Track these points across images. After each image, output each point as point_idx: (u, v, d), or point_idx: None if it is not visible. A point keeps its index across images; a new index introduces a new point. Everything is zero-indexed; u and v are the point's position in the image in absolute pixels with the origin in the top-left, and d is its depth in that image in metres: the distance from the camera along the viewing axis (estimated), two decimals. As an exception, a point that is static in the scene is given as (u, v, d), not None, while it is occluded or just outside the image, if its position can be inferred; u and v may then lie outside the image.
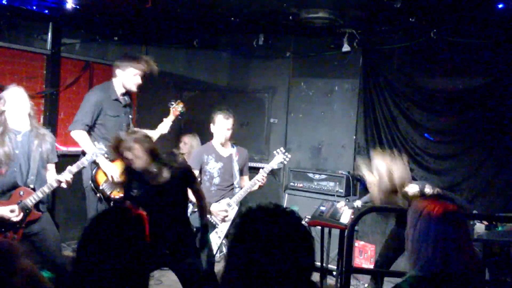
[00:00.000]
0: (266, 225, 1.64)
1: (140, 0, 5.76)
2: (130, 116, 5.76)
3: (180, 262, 4.07)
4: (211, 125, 5.39)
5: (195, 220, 5.24)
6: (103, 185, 5.10)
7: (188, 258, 4.10)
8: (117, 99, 5.50)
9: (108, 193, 5.13)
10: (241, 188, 5.35)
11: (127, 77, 5.49)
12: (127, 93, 5.64)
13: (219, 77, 8.24)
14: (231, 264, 1.65)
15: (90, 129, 5.34)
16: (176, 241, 4.08)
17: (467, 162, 6.42)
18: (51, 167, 4.56)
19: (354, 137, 7.22)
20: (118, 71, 5.48)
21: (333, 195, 6.64)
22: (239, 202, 5.29)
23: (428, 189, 4.68)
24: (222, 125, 5.30)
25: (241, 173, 5.50)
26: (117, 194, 5.10)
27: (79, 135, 5.18)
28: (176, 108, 5.94)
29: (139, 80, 5.57)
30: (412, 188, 4.65)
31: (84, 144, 5.16)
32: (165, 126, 5.82)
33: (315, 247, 1.72)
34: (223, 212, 5.14)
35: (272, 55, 7.75)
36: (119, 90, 5.51)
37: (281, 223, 1.66)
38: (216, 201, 5.21)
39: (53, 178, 4.42)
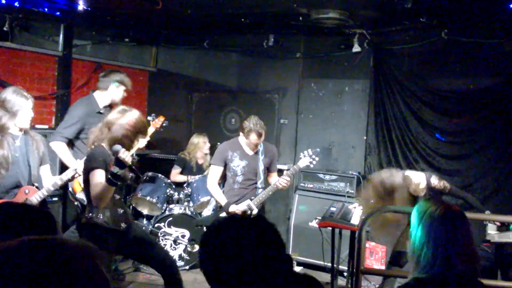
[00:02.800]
0: (230, 233, 1.66)
1: (151, 2, 5.78)
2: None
3: (131, 239, 4.12)
4: (241, 133, 5.30)
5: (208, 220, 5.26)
6: (79, 193, 5.10)
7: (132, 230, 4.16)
8: (100, 112, 5.50)
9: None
10: (264, 189, 5.30)
11: (119, 93, 5.62)
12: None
13: (229, 78, 8.26)
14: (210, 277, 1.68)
15: (73, 141, 5.39)
16: (129, 217, 4.16)
17: (479, 163, 6.39)
18: (47, 169, 4.59)
19: (365, 137, 7.20)
20: (111, 87, 5.55)
21: (344, 196, 6.62)
22: (260, 205, 5.25)
23: (434, 180, 4.66)
24: (254, 141, 5.22)
25: (269, 170, 5.45)
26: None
27: (58, 147, 5.21)
28: (157, 121, 5.82)
29: (125, 94, 5.73)
30: (418, 177, 4.63)
31: (63, 155, 5.20)
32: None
33: (282, 239, 1.75)
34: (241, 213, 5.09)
35: (282, 55, 7.75)
36: (103, 103, 5.56)
37: (246, 228, 1.68)
38: (237, 201, 5.18)
39: (54, 178, 4.48)
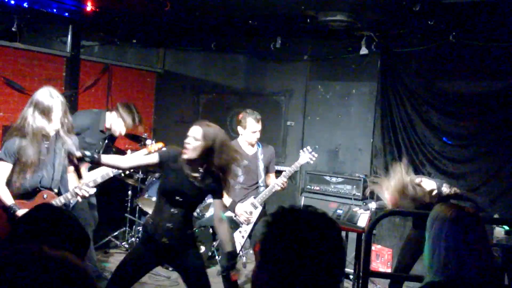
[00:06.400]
0: (301, 226, 1.61)
1: (159, 4, 5.80)
2: (107, 142, 5.77)
3: (179, 259, 3.96)
4: (239, 127, 5.32)
5: (210, 220, 5.26)
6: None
7: (186, 254, 3.95)
8: (102, 130, 5.59)
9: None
10: (266, 187, 5.32)
11: (117, 124, 5.59)
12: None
13: (236, 80, 8.27)
14: (262, 261, 1.63)
15: None
16: (179, 236, 3.91)
17: (486, 166, 6.36)
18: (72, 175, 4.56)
19: (372, 140, 7.19)
20: (118, 114, 5.56)
21: (350, 199, 6.62)
22: (263, 202, 5.26)
23: (445, 188, 4.67)
24: (253, 128, 5.23)
25: (267, 170, 5.46)
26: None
27: None
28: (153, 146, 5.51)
29: (123, 133, 5.70)
30: (428, 184, 4.64)
31: None
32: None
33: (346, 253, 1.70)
34: (247, 214, 5.10)
35: (289, 58, 7.75)
36: (107, 124, 5.60)
37: (317, 226, 1.63)
38: (240, 200, 5.18)
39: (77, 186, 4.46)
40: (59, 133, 4.30)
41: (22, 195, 4.17)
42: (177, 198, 3.85)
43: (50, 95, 4.20)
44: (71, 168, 4.45)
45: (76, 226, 1.91)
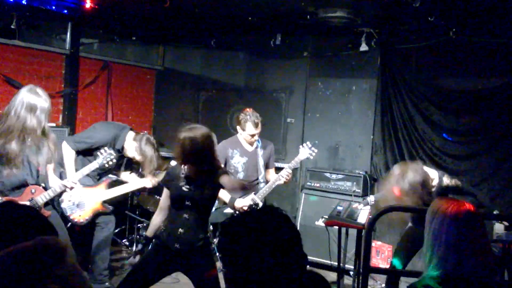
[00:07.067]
0: (249, 225, 1.66)
1: (158, 0, 5.79)
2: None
3: (191, 264, 3.88)
4: (238, 127, 5.33)
5: (218, 216, 5.25)
6: (64, 203, 5.04)
7: (198, 260, 3.88)
8: (119, 150, 5.42)
9: (67, 214, 5.05)
10: (266, 183, 5.32)
11: (133, 151, 5.42)
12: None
13: (236, 77, 8.25)
14: (226, 267, 1.68)
15: (81, 153, 5.28)
16: (190, 241, 3.85)
17: (486, 163, 6.35)
18: (52, 168, 4.56)
19: (372, 137, 7.18)
20: (135, 143, 5.39)
21: (350, 195, 6.61)
22: (263, 198, 5.26)
23: (446, 179, 4.69)
24: (251, 132, 5.25)
25: (267, 166, 5.47)
26: (78, 217, 5.09)
27: (68, 152, 5.10)
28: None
29: (136, 158, 5.53)
30: (432, 174, 4.67)
31: (67, 163, 5.09)
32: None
33: (300, 240, 1.73)
34: (246, 209, 5.11)
35: (289, 54, 7.74)
36: (124, 144, 5.46)
37: (265, 220, 1.67)
38: (240, 197, 5.18)
39: (59, 181, 4.47)
40: (44, 130, 4.29)
41: (9, 191, 4.19)
42: (187, 203, 3.83)
43: (35, 93, 4.20)
44: (51, 166, 4.47)
45: (44, 225, 1.89)
